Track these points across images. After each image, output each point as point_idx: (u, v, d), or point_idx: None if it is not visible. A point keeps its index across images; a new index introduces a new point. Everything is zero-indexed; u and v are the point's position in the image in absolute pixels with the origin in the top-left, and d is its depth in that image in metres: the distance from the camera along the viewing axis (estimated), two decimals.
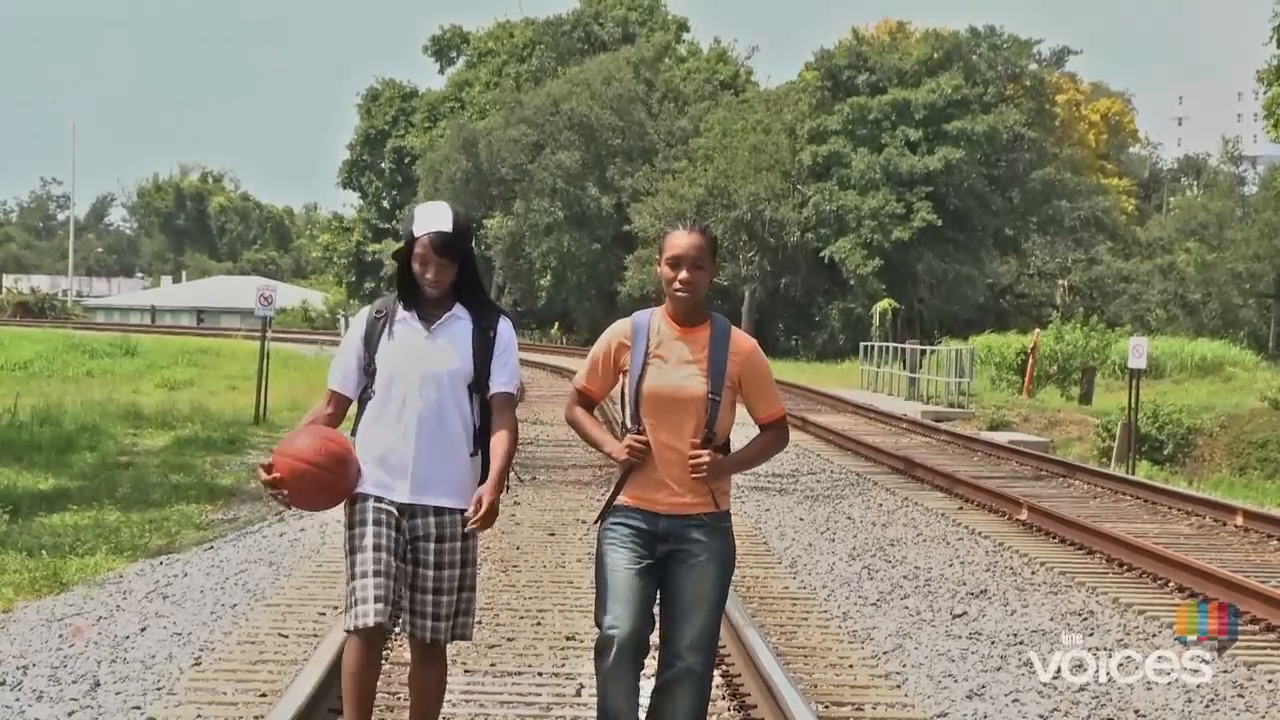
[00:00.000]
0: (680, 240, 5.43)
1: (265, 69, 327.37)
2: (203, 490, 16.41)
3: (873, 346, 44.31)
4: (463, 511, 5.44)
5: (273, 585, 10.54)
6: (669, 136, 72.09)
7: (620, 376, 5.53)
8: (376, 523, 5.40)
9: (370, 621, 5.29)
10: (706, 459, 5.36)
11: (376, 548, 5.37)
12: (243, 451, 20.93)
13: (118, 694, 7.60)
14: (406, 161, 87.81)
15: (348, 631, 5.41)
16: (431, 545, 5.46)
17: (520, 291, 77.64)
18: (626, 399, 5.47)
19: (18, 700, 7.45)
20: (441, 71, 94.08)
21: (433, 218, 5.46)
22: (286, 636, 8.90)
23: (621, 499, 5.47)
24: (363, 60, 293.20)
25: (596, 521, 5.56)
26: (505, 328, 5.59)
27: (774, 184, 64.80)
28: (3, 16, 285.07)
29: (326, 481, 5.37)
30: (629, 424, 5.47)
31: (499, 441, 5.50)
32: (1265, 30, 42.86)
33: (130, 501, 15.14)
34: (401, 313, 5.54)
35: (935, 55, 65.12)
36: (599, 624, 5.40)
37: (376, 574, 5.33)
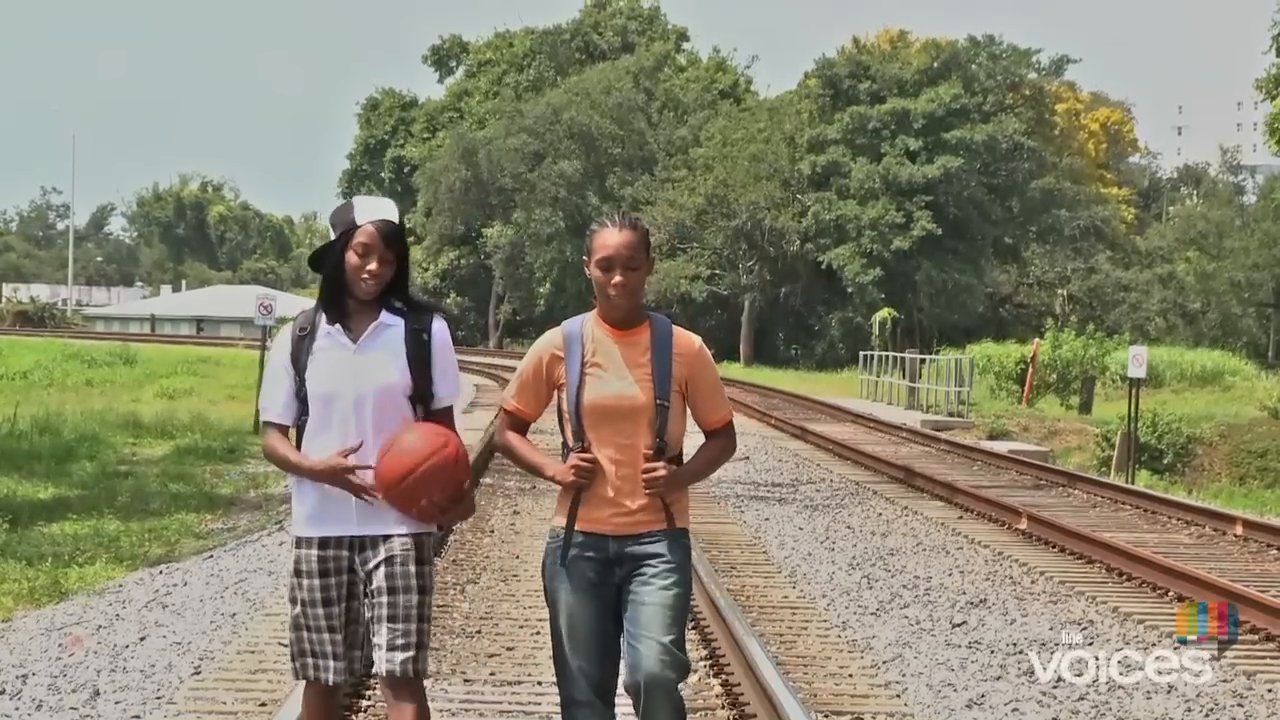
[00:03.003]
0: (611, 239, 4.88)
1: (265, 78, 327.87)
2: (202, 499, 16.41)
3: (872, 356, 44.31)
4: (415, 535, 4.98)
5: (272, 594, 10.53)
6: (669, 146, 72.16)
7: (555, 392, 5.02)
8: (324, 574, 5.02)
9: (327, 678, 5.02)
10: (663, 471, 4.88)
11: (328, 601, 5.02)
12: (242, 461, 20.92)
13: (117, 703, 7.60)
14: (406, 171, 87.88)
15: (301, 679, 5.10)
16: (383, 569, 4.95)
17: (520, 300, 77.70)
18: (566, 415, 4.97)
19: (17, 709, 7.46)
20: (441, 81, 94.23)
21: (377, 208, 4.96)
22: (286, 645, 8.89)
23: (563, 525, 4.98)
24: (362, 70, 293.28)
25: (550, 559, 5.03)
26: (440, 329, 5.05)
27: (773, 193, 64.86)
28: (2, 24, 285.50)
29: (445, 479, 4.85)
30: (571, 442, 4.96)
31: None
32: (1264, 39, 42.84)
33: (130, 510, 15.14)
34: (325, 326, 4.99)
35: (935, 64, 65.19)
36: (559, 675, 4.97)
37: (331, 629, 5.02)
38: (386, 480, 4.85)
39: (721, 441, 5.13)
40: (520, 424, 5.13)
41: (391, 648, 4.93)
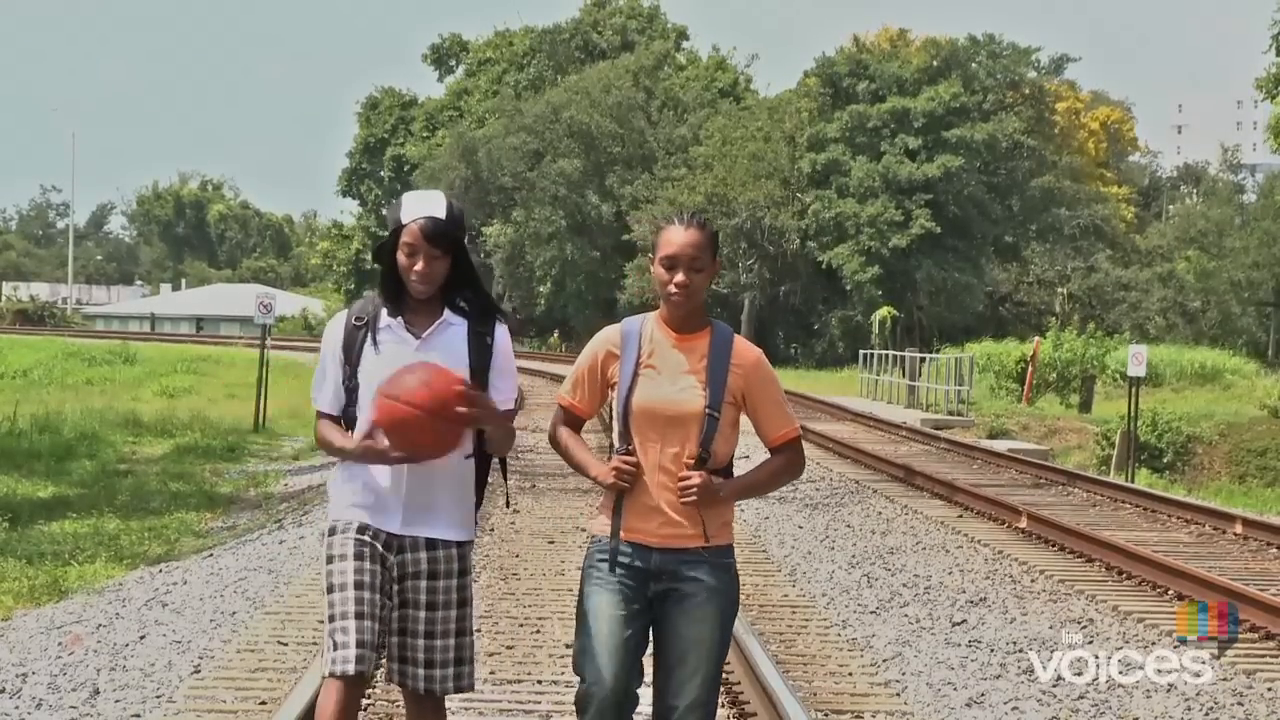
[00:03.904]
0: (676, 237, 4.74)
1: (265, 77, 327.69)
2: (202, 498, 16.42)
3: (872, 354, 44.31)
4: (459, 544, 4.90)
5: (272, 593, 10.53)
6: (668, 144, 72.13)
7: (609, 390, 4.86)
8: (359, 556, 4.77)
9: (352, 669, 4.66)
10: (697, 480, 4.70)
11: (359, 585, 4.74)
12: (242, 459, 20.94)
13: (117, 702, 7.60)
14: (406, 170, 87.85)
15: (326, 676, 4.76)
16: (424, 583, 4.84)
17: (520, 299, 77.69)
18: (615, 415, 4.81)
19: (17, 708, 7.45)
20: (441, 80, 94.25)
21: (424, 204, 4.85)
22: (286, 644, 8.89)
23: (607, 530, 4.80)
24: (362, 69, 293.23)
25: (587, 564, 4.86)
26: (502, 335, 4.97)
27: (773, 192, 64.84)
28: (2, 24, 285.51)
29: (431, 426, 4.64)
30: (618, 443, 4.78)
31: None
32: (1264, 39, 42.88)
33: (130, 509, 15.15)
34: (386, 319, 4.88)
35: (934, 63, 65.17)
36: (579, 674, 4.75)
37: (359, 615, 4.70)
38: (384, 421, 4.67)
39: (783, 459, 4.94)
40: (574, 420, 4.96)
41: (429, 665, 4.85)
